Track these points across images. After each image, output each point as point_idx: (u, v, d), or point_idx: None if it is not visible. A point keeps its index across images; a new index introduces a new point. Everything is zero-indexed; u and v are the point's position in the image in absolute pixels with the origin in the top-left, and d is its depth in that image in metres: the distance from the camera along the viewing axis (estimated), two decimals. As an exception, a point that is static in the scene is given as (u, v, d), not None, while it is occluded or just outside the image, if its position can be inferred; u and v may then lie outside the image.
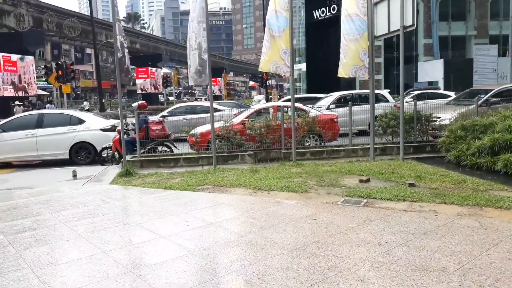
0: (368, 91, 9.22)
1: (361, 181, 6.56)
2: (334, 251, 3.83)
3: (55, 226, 5.04)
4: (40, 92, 42.81)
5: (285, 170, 7.90)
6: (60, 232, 4.79)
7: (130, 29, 63.49)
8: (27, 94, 32.45)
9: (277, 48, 8.10)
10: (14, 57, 31.67)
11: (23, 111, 21.51)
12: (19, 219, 5.40)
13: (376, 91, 12.29)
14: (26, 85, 32.30)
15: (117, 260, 3.89)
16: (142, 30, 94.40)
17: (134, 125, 10.04)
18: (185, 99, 71.30)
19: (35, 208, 5.92)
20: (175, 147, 10.34)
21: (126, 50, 8.08)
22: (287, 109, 10.66)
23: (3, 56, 30.78)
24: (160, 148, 10.24)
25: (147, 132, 9.90)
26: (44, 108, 26.97)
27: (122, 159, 8.51)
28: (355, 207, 5.26)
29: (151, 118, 10.86)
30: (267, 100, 33.54)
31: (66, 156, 10.88)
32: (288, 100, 12.87)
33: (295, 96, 18.80)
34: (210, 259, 3.83)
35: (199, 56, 8.01)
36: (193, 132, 10.14)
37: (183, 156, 9.24)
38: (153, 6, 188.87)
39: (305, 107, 11.12)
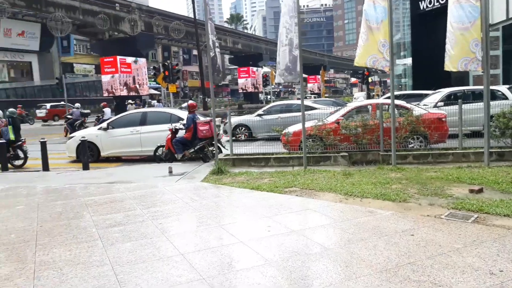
0: (482, 87, 8.05)
1: (471, 191, 5.67)
2: (432, 277, 3.24)
3: (142, 223, 5.13)
4: (152, 91, 46.42)
5: (382, 174, 7.23)
6: (145, 230, 4.84)
7: (232, 30, 65.67)
8: (139, 94, 35.27)
9: (374, 41, 7.45)
10: (129, 59, 34.69)
11: (135, 109, 23.32)
12: (112, 213, 5.62)
13: (493, 87, 10.82)
14: (138, 86, 35.14)
15: (192, 264, 3.76)
16: (244, 30, 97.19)
17: (184, 125, 10.23)
18: (288, 97, 71.83)
19: (128, 203, 6.15)
20: (224, 147, 10.24)
21: (217, 49, 8.10)
22: (388, 107, 9.85)
23: (119, 59, 33.89)
24: (209, 149, 10.14)
25: (195, 133, 9.96)
26: (150, 106, 29.09)
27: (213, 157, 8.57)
28: (462, 223, 4.50)
29: (202, 118, 10.57)
30: (368, 97, 32.08)
31: (168, 152, 11.38)
32: (390, 97, 11.95)
33: (398, 93, 17.49)
34: (287, 272, 3.49)
35: (290, 52, 7.71)
36: (286, 131, 9.90)
37: (274, 156, 9.02)
38: (255, 6, 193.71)
39: (408, 105, 10.17)
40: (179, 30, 31.51)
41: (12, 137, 10.86)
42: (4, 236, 4.81)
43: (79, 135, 11.66)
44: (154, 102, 31.24)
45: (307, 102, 15.43)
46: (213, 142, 10.06)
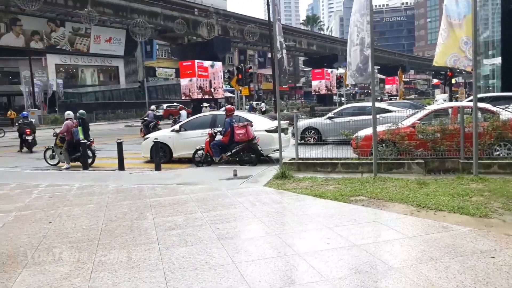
0: None
1: None
2: (516, 313, 2.75)
3: (200, 227, 5.08)
4: (228, 94, 47.51)
5: (462, 185, 6.54)
6: (202, 234, 4.78)
7: (307, 31, 65.14)
8: (213, 97, 36.23)
9: (455, 38, 6.77)
10: (206, 63, 35.78)
11: (210, 111, 23.93)
12: (174, 216, 5.66)
13: None
14: (213, 89, 36.09)
15: (243, 275, 3.59)
16: (320, 31, 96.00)
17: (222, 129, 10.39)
18: (363, 99, 69.68)
19: (190, 206, 6.17)
20: (261, 151, 10.28)
21: (284, 51, 7.90)
22: (470, 111, 8.96)
23: (197, 63, 35.09)
24: (245, 152, 10.29)
25: (232, 136, 10.07)
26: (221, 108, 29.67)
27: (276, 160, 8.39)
28: (558, 248, 3.85)
29: (237, 123, 10.41)
30: (451, 99, 29.88)
31: (234, 155, 11.41)
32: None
33: (484, 95, 15.95)
34: (343, 293, 3.19)
35: (361, 51, 7.27)
36: (356, 135, 9.43)
37: (341, 161, 8.61)
38: (332, 7, 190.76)
39: (493, 108, 9.19)
40: (254, 33, 31.84)
41: (81, 137, 11.47)
42: (71, 234, 5.03)
43: (153, 136, 12.12)
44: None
45: (381, 105, 14.70)
46: (250, 146, 10.28)
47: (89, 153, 11.75)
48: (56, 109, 41.25)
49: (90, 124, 13.45)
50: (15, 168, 11.86)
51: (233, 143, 10.24)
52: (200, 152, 10.79)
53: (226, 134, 10.23)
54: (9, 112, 34.52)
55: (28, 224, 5.51)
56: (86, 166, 11.20)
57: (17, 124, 19.84)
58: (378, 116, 9.68)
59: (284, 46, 7.95)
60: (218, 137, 10.46)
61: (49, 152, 12.30)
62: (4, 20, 27.23)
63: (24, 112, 19.15)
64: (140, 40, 29.03)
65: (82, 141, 11.30)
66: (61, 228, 5.27)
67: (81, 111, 12.07)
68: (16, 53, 41.46)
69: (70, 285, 3.59)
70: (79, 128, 11.65)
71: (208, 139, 10.48)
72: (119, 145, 10.94)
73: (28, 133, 16.31)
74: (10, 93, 46.76)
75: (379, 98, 46.27)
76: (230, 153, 10.29)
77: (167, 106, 38.84)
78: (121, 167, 10.85)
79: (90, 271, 3.87)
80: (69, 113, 12.18)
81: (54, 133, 12.49)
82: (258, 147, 10.32)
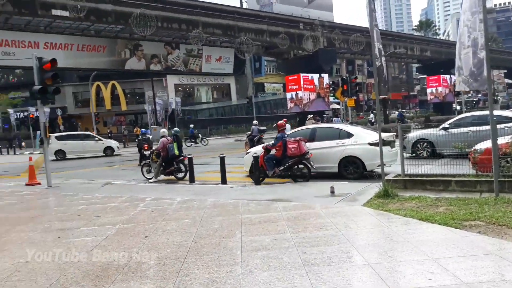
0: None
1: None
2: None
3: (287, 249, 4.78)
4: (336, 106, 46.61)
5: None
6: (287, 258, 4.47)
7: (420, 37, 61.11)
8: (318, 110, 35.73)
9: None
10: (312, 76, 35.57)
11: (312, 123, 23.58)
12: (262, 235, 5.44)
13: None
14: (317, 102, 35.63)
15: (324, 312, 3.19)
16: (435, 36, 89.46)
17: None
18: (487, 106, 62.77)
19: (280, 225, 5.91)
20: (312, 166, 10.19)
21: (383, 58, 7.27)
22: None
23: (303, 76, 35.07)
24: (297, 167, 10.39)
25: (285, 151, 10.18)
26: (328, 121, 28.98)
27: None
28: None
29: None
30: None
31: (336, 170, 10.90)
32: None
33: None
34: None
35: (474, 54, 6.32)
36: (475, 148, 8.28)
37: (455, 178, 7.59)
38: (449, 10, 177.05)
39: None
40: (359, 42, 30.80)
41: (176, 152, 12.31)
42: (162, 250, 5.11)
43: (253, 151, 12.19)
44: (336, 119, 31.19)
45: (506, 113, 12.86)
46: (302, 161, 10.26)
47: (182, 167, 12.52)
48: (175, 125, 44.72)
49: (206, 138, 14.44)
50: (132, 181, 12.87)
51: (286, 158, 10.35)
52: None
53: (278, 149, 10.43)
54: (135, 129, 38.34)
55: (126, 238, 5.77)
56: (193, 180, 11.68)
57: (137, 140, 21.93)
58: (501, 126, 8.44)
59: (383, 53, 7.32)
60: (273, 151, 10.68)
61: (146, 167, 13.24)
62: (128, 47, 30.41)
63: (143, 129, 20.95)
64: (245, 57, 30.00)
65: (178, 155, 12.29)
66: (154, 243, 5.40)
67: (175, 128, 13.11)
68: (142, 76, 46.18)
69: (147, 305, 3.56)
70: (174, 144, 12.41)
71: (263, 153, 10.82)
72: (222, 160, 11.18)
73: (146, 148, 17.74)
74: (137, 111, 52.20)
75: (508, 104, 41.12)
76: (283, 167, 10.43)
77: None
78: (224, 181, 11.06)
79: (169, 292, 3.81)
80: (164, 131, 13.20)
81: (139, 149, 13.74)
82: (311, 162, 10.28)
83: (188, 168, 12.25)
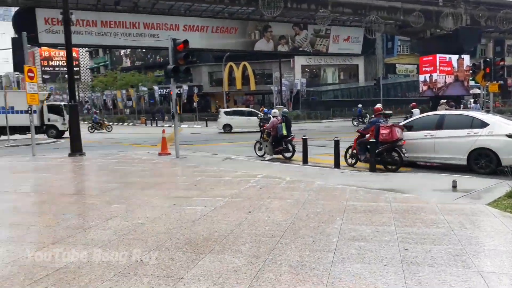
0: None
1: None
2: None
3: (387, 243, 4.48)
4: (477, 91, 41.83)
5: None
6: (385, 253, 4.19)
7: None
8: (453, 94, 32.43)
9: None
10: (450, 57, 32.32)
11: (445, 109, 21.49)
12: (364, 225, 5.19)
13: None
14: (455, 85, 32.28)
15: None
16: None
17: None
18: None
19: (386, 216, 5.55)
20: (404, 154, 9.92)
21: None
22: None
23: (439, 57, 32.09)
24: (389, 153, 10.21)
25: (378, 136, 10.05)
26: (465, 107, 26.05)
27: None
28: None
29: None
30: None
31: (464, 162, 9.85)
32: None
33: None
34: None
35: None
36: None
37: None
38: None
39: None
40: (509, 19, 26.76)
41: (284, 132, 12.71)
42: (260, 227, 5.22)
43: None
44: (474, 105, 27.88)
45: None
46: (394, 147, 10.01)
47: (290, 147, 12.87)
48: (299, 106, 45.12)
49: (325, 120, 14.97)
50: (250, 158, 13.38)
51: (378, 143, 10.12)
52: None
53: (371, 133, 10.35)
54: (260, 108, 39.79)
55: (232, 211, 6.04)
56: (305, 161, 11.69)
57: (258, 118, 23.01)
58: None
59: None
60: None
61: (257, 145, 13.88)
62: (258, 28, 31.28)
63: (265, 109, 21.59)
64: (373, 37, 28.47)
65: (286, 135, 12.78)
66: (255, 220, 5.56)
67: (284, 109, 13.74)
68: (270, 57, 47.34)
69: (235, 279, 3.68)
70: (283, 124, 12.79)
71: (357, 137, 11.00)
72: (336, 143, 10.94)
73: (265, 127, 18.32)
74: (265, 91, 53.94)
75: None
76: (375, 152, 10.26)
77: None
78: (337, 164, 10.84)
79: (258, 268, 3.88)
80: (275, 112, 13.72)
81: (261, 129, 14.69)
82: (403, 150, 10.03)
83: (294, 149, 12.71)
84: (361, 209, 5.97)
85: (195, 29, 29.69)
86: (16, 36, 18.30)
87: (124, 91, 55.52)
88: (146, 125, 43.03)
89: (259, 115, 27.33)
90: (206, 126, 37.06)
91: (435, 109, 24.91)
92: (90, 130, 30.65)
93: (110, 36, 27.37)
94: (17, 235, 5.11)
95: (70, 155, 13.82)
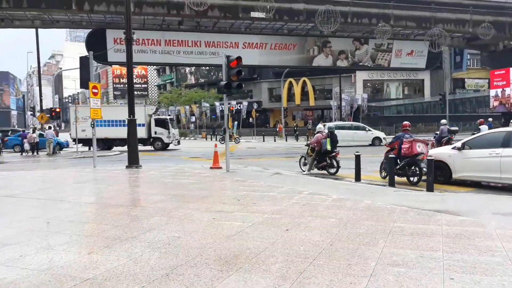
0: None
1: None
2: None
3: (431, 271, 4.05)
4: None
5: None
6: (427, 281, 3.77)
7: None
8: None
9: None
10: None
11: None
12: (408, 249, 4.77)
13: None
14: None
15: None
16: None
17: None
18: None
19: (434, 241, 5.07)
20: (421, 168, 10.21)
21: None
22: None
23: (513, 70, 29.82)
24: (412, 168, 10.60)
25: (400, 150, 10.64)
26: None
27: None
28: None
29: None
30: None
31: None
32: None
33: None
34: None
35: None
36: None
37: None
38: None
39: None
40: None
41: (329, 148, 12.52)
42: (295, 246, 4.98)
43: (434, 153, 10.97)
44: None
45: None
46: (415, 162, 10.42)
47: (334, 163, 12.65)
48: (359, 121, 43.93)
49: (387, 136, 15.03)
50: (299, 173, 13.11)
51: (400, 158, 10.64)
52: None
53: (395, 148, 10.98)
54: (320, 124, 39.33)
55: (269, 228, 5.85)
56: (358, 178, 11.22)
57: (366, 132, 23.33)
58: None
59: None
60: None
61: (302, 160, 13.71)
62: (317, 44, 31.10)
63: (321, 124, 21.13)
64: (437, 50, 27.06)
65: (330, 151, 12.64)
66: (291, 238, 5.32)
67: (330, 124, 13.60)
68: (331, 72, 46.86)
69: (256, 300, 3.49)
70: (328, 139, 12.59)
71: (386, 151, 11.46)
72: (390, 160, 10.40)
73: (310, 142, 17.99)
74: (324, 107, 53.38)
75: None
76: (398, 166, 10.67)
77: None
78: (391, 182, 10.28)
79: (283, 292, 3.66)
80: (320, 127, 13.61)
81: (306, 143, 14.42)
82: (421, 164, 10.26)
83: (339, 164, 12.54)
84: (408, 232, 5.51)
85: (254, 46, 30.14)
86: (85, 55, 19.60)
87: (187, 107, 57.53)
88: (206, 140, 44.13)
89: (367, 128, 27.11)
90: (263, 141, 37.21)
91: (507, 126, 23.08)
92: (221, 142, 31.64)
93: (173, 55, 28.56)
94: (59, 243, 5.29)
95: (127, 167, 14.39)
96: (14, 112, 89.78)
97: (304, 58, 31.23)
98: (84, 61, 15.36)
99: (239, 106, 52.64)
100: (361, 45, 31.44)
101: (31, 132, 26.07)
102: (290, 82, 54.04)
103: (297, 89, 54.12)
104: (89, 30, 29.21)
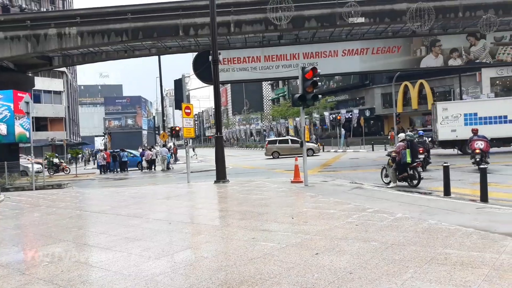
0: None
1: None
2: None
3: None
4: None
5: None
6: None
7: None
8: None
9: None
10: None
11: None
12: (435, 282, 4.06)
13: None
14: None
15: None
16: None
17: None
18: None
19: (476, 274, 4.22)
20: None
21: None
22: None
23: None
24: None
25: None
26: None
27: None
28: None
29: None
30: None
31: None
32: None
33: None
34: None
35: None
36: None
37: None
38: None
39: None
40: None
41: (408, 160, 11.54)
42: (308, 274, 4.61)
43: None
44: None
45: None
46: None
47: (416, 174, 11.70)
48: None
49: None
50: (382, 187, 12.13)
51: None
52: None
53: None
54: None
55: (299, 251, 5.51)
56: (447, 192, 9.99)
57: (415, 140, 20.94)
58: None
59: None
60: None
61: (384, 171, 12.83)
62: (424, 44, 28.64)
63: (420, 131, 19.37)
64: None
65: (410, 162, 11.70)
66: (312, 264, 4.93)
67: (409, 133, 12.50)
68: (451, 72, 42.80)
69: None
70: (407, 150, 11.57)
71: None
72: (482, 171, 9.06)
73: (421, 151, 16.42)
74: (444, 110, 48.78)
75: None
76: None
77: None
78: (483, 197, 8.92)
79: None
80: (401, 135, 12.53)
81: (387, 153, 13.35)
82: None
83: (420, 176, 11.69)
84: (451, 260, 4.71)
85: (355, 52, 29.09)
86: (179, 78, 21.07)
87: (298, 119, 57.91)
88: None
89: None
90: (372, 150, 35.47)
91: None
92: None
93: (272, 69, 29.12)
94: (122, 257, 5.73)
95: (215, 182, 15.00)
96: (145, 132, 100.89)
97: (410, 60, 29.04)
98: (178, 84, 16.57)
99: (350, 115, 51.24)
100: (476, 40, 28.03)
101: (149, 150, 28.88)
102: (406, 86, 50.84)
103: (413, 93, 50.60)
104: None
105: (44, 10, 57.48)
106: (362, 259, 5.00)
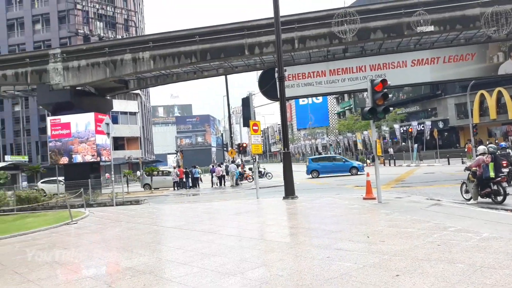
0: None
1: None
2: None
3: None
4: None
5: None
6: None
7: None
8: None
9: None
10: None
11: None
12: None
13: None
14: None
15: None
16: None
17: None
18: None
19: None
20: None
21: None
22: None
23: None
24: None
25: None
26: None
27: None
28: None
29: None
30: None
31: None
32: None
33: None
34: None
35: None
36: None
37: None
38: None
39: None
40: None
41: (491, 174, 10.70)
42: None
43: None
44: None
45: None
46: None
47: (501, 190, 10.84)
48: None
49: None
50: (463, 204, 11.35)
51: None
52: None
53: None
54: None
55: (377, 272, 5.29)
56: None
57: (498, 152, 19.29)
58: None
59: None
60: None
61: (464, 187, 12.00)
62: (502, 49, 26.82)
63: (502, 143, 17.93)
64: None
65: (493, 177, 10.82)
66: (399, 286, 4.71)
67: (492, 145, 11.53)
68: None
69: None
70: (490, 164, 10.71)
71: None
72: None
73: (504, 165, 15.20)
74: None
75: None
76: None
77: None
78: None
79: None
80: (479, 148, 11.66)
81: (465, 168, 12.48)
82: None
83: (506, 191, 10.71)
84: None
85: (424, 62, 27.92)
86: (246, 96, 21.44)
87: (366, 132, 56.43)
88: (384, 165, 42.23)
89: None
90: (448, 164, 33.50)
91: None
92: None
93: (337, 83, 28.77)
94: (199, 273, 5.91)
95: (284, 198, 14.97)
96: (213, 149, 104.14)
97: (486, 67, 27.24)
98: (245, 101, 16.90)
99: (421, 127, 48.98)
100: None
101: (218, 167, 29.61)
102: (482, 94, 47.74)
103: (491, 102, 47.33)
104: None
105: (120, 37, 61.86)
106: (449, 281, 4.69)
